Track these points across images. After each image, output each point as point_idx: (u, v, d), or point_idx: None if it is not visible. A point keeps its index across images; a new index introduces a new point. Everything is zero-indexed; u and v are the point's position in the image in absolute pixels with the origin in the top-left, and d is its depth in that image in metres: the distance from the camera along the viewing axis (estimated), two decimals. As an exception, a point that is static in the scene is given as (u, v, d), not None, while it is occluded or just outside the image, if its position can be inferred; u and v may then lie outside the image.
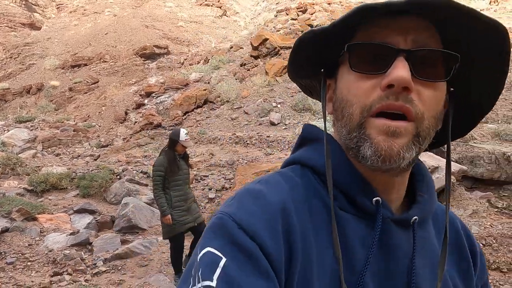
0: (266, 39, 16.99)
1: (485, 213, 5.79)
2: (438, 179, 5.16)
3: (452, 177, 5.29)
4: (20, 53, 30.81)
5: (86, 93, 22.98)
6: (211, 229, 0.55)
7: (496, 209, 6.44)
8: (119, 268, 5.10)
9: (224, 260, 0.51)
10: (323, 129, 0.66)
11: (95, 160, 11.16)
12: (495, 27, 0.54)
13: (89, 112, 19.60)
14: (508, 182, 6.81)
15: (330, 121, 0.69)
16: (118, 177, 8.51)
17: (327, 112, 0.68)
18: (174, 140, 4.50)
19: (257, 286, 0.49)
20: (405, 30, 0.57)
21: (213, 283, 0.49)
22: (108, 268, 5.06)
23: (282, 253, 0.53)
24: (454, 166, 6.16)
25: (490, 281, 3.97)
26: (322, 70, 0.70)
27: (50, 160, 11.10)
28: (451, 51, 0.58)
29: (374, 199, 0.60)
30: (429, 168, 4.72)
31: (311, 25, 20.72)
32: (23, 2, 42.09)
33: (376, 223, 0.59)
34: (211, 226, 0.56)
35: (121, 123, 16.75)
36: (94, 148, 13.34)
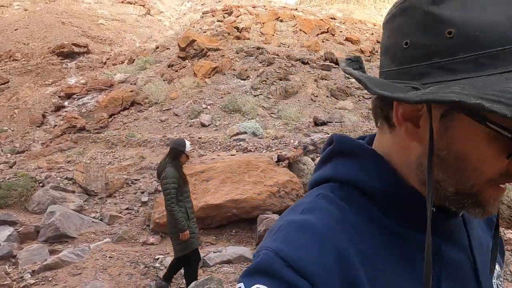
0: (193, 40, 16.97)
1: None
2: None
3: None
4: None
5: (-6, 94, 20.87)
6: (255, 268, 0.50)
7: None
8: (50, 279, 4.87)
9: None
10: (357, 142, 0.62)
11: (11, 167, 10.29)
12: None
13: (-2, 115, 17.87)
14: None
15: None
16: (41, 184, 8.00)
17: (406, 135, 0.54)
18: (179, 151, 4.26)
19: None
20: None
21: None
22: (37, 280, 4.81)
23: None
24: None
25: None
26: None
27: (-44, 170, 9.98)
28: None
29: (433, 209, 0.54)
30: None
31: (237, 28, 21.11)
32: None
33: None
34: (255, 265, 0.51)
35: (38, 126, 15.56)
36: (8, 154, 12.27)
